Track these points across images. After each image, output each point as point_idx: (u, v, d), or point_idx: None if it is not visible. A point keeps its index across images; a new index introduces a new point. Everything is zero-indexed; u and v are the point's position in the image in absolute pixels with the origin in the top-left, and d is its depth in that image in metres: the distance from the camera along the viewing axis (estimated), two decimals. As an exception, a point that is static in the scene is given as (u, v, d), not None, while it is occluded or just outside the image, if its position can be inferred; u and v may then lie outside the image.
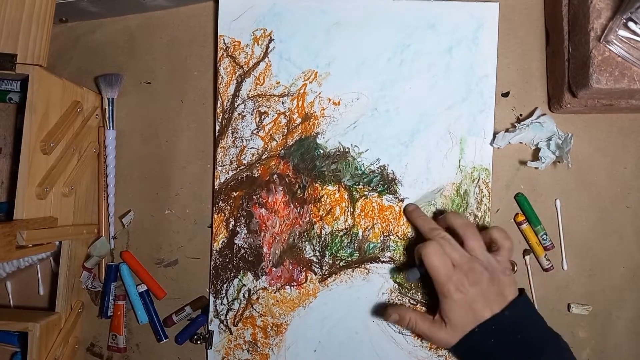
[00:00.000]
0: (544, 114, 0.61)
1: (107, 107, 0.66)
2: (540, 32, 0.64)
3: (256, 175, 0.65)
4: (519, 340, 0.54)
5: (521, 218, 0.62)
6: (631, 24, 0.51)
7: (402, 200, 0.63)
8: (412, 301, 0.63)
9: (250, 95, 0.65)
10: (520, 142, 0.63)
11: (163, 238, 0.67)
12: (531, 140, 0.62)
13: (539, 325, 0.55)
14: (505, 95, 0.64)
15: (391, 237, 0.63)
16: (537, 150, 0.61)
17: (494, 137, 0.62)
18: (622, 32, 0.52)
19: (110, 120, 0.66)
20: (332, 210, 0.64)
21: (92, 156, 0.66)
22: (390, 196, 0.64)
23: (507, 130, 0.62)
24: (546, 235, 0.62)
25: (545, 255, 0.62)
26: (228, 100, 0.65)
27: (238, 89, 0.65)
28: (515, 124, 0.62)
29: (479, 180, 0.63)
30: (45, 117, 0.57)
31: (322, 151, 0.64)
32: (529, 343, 0.54)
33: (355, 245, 0.64)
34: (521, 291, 0.57)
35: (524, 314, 0.55)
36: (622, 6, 0.51)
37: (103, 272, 0.66)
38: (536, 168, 0.61)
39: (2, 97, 0.62)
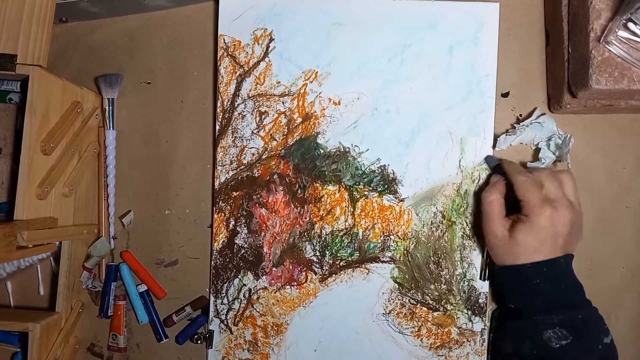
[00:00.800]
0: (544, 114, 0.61)
1: (107, 107, 0.66)
2: (540, 32, 0.64)
3: (256, 175, 0.65)
4: (564, 290, 0.53)
5: (521, 218, 0.62)
6: (631, 25, 0.51)
7: (402, 200, 0.63)
8: (412, 301, 0.63)
9: (250, 95, 0.65)
10: (521, 143, 0.63)
11: (163, 238, 0.67)
12: (531, 141, 0.62)
13: (581, 288, 0.54)
14: (505, 95, 0.64)
15: (391, 237, 0.63)
16: (538, 150, 0.61)
17: (496, 140, 0.62)
18: (622, 33, 0.52)
19: (110, 120, 0.66)
20: (333, 210, 0.64)
21: (92, 156, 0.66)
22: (391, 196, 0.64)
23: (507, 133, 0.62)
24: (546, 235, 0.62)
25: (545, 255, 0.62)
26: (228, 100, 0.65)
27: (238, 88, 0.65)
28: (515, 125, 0.62)
29: (479, 180, 0.63)
30: (45, 118, 0.57)
31: (322, 151, 0.64)
32: (572, 295, 0.53)
33: (356, 245, 0.64)
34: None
35: (571, 272, 0.54)
36: (622, 7, 0.51)
37: (103, 272, 0.66)
38: (536, 168, 0.62)
39: (2, 98, 0.62)
